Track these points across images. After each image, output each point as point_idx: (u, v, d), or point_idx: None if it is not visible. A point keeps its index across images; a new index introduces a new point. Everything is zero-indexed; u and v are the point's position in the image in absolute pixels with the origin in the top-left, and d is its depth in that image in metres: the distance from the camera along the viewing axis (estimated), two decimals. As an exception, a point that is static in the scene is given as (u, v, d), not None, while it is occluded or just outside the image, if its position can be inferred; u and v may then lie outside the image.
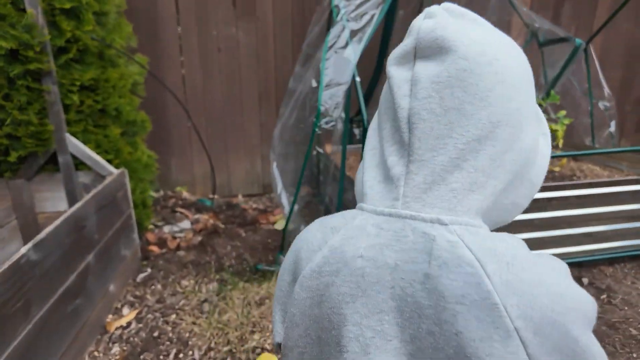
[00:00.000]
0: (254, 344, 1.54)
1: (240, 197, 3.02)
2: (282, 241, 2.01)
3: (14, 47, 1.63)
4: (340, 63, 1.79)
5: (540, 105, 2.75)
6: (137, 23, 2.60)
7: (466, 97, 0.44)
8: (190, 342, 1.56)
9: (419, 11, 2.70)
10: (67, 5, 1.74)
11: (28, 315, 1.17)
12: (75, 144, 1.87)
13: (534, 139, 0.50)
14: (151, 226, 2.38)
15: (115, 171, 1.92)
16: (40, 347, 1.22)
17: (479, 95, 0.44)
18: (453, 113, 0.44)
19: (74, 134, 1.90)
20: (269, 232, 2.42)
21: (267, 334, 1.59)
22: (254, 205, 2.84)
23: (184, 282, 1.94)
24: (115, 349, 1.53)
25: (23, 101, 1.74)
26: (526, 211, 1.86)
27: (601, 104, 2.78)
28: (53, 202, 1.96)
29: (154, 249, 2.22)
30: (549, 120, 2.62)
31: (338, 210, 1.77)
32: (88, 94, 1.93)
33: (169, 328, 1.64)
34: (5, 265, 1.09)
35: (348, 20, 1.87)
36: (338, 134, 1.85)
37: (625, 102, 3.43)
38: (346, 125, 1.87)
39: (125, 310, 1.75)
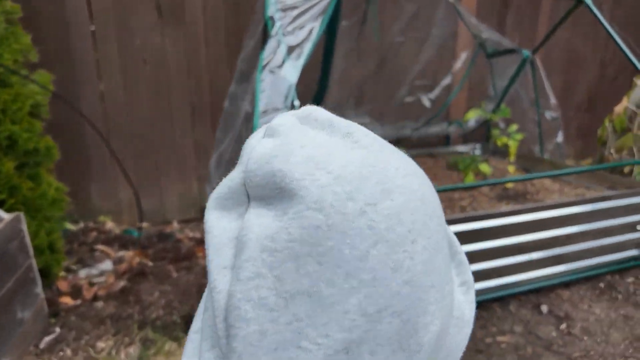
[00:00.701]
0: None
1: (175, 224, 2.71)
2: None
3: None
4: (277, 85, 1.57)
5: (491, 120, 2.68)
6: (40, 32, 2.22)
7: (323, 273, 0.26)
8: None
9: (364, 21, 2.54)
10: None
11: None
12: (-50, 186, 1.51)
13: (446, 314, 0.31)
14: (63, 273, 2.03)
15: (5, 216, 1.58)
16: None
17: (344, 269, 0.26)
18: (301, 303, 0.26)
19: (-52, 173, 1.53)
20: (205, 270, 2.15)
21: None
22: (191, 234, 2.55)
23: (100, 344, 1.63)
24: None
25: None
26: (477, 241, 1.74)
27: (547, 114, 2.76)
28: None
29: (67, 300, 1.88)
30: (502, 133, 2.56)
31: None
32: (-33, 122, 1.57)
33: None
34: None
35: (284, 35, 1.65)
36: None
37: (567, 109, 3.48)
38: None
39: (22, 391, 1.42)
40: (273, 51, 1.63)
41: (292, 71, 1.58)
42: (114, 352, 1.59)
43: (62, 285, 1.96)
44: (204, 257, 2.30)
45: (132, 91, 2.51)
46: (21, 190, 1.76)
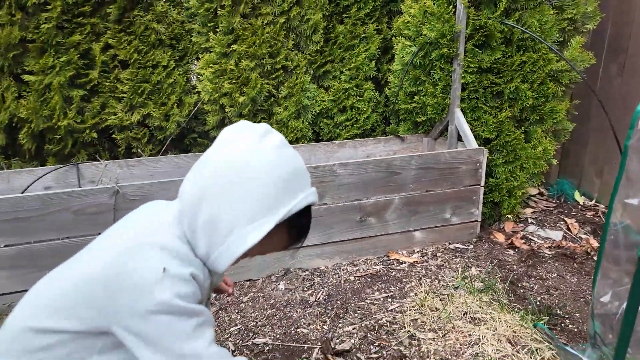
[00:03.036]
0: None
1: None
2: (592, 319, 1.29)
3: (436, 37, 2.17)
4: None
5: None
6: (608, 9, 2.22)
7: None
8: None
9: None
10: (483, -3, 2.01)
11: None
12: (458, 118, 2.21)
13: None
14: (509, 215, 2.28)
15: (473, 146, 2.10)
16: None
17: None
18: None
19: (464, 110, 2.22)
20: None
21: None
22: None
23: (472, 270, 1.91)
24: (372, 269, 1.97)
25: (436, 78, 2.27)
26: None
27: None
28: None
29: (498, 236, 2.19)
30: None
31: None
32: (488, 76, 2.13)
33: (413, 294, 1.84)
34: (315, 164, 1.86)
35: None
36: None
37: None
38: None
39: (414, 256, 2.07)
40: None
41: None
42: (450, 287, 1.83)
43: (508, 225, 2.26)
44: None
45: None
46: (508, 137, 2.17)
